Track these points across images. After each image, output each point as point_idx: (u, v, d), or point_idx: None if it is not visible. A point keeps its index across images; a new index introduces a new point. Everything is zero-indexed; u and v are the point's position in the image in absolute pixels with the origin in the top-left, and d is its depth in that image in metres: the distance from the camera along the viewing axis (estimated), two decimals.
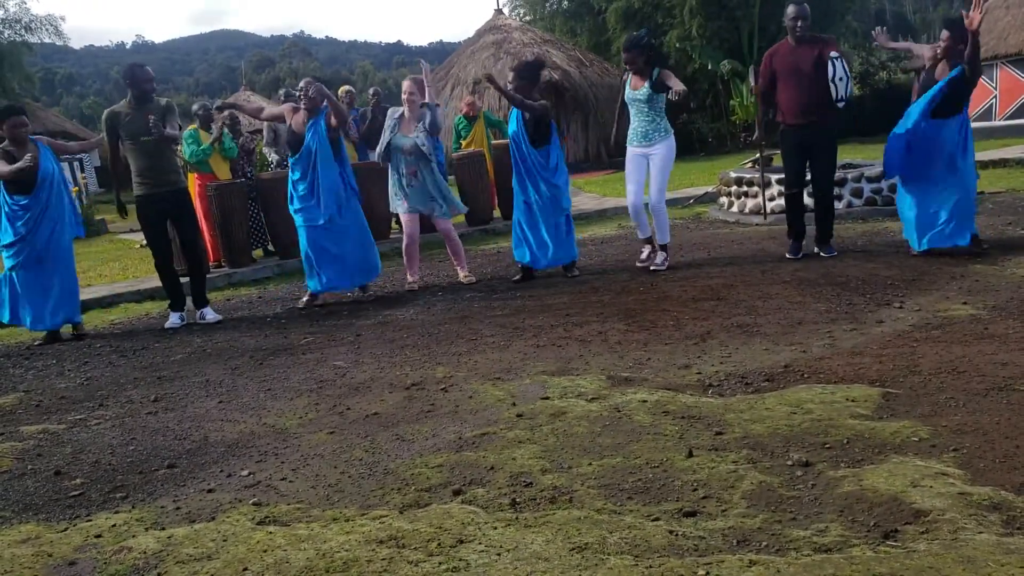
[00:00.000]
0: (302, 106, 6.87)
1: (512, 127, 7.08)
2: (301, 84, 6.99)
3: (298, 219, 6.94)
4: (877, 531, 2.50)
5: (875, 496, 2.70)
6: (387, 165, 7.32)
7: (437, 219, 7.41)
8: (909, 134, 6.32)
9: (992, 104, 17.86)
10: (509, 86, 7.09)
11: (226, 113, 10.60)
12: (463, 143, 11.19)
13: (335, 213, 6.82)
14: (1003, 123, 17.42)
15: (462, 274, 7.50)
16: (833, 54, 6.49)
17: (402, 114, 7.22)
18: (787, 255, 6.99)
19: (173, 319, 6.88)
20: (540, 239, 7.11)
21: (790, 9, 6.67)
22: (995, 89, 17.59)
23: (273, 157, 10.70)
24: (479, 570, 2.48)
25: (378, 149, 7.34)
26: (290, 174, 6.97)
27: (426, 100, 7.19)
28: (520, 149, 7.01)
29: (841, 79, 6.46)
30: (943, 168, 6.28)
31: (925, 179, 6.38)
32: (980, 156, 9.37)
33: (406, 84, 7.30)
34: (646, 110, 6.86)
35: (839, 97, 6.51)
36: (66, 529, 3.08)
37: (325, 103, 6.80)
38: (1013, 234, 7.00)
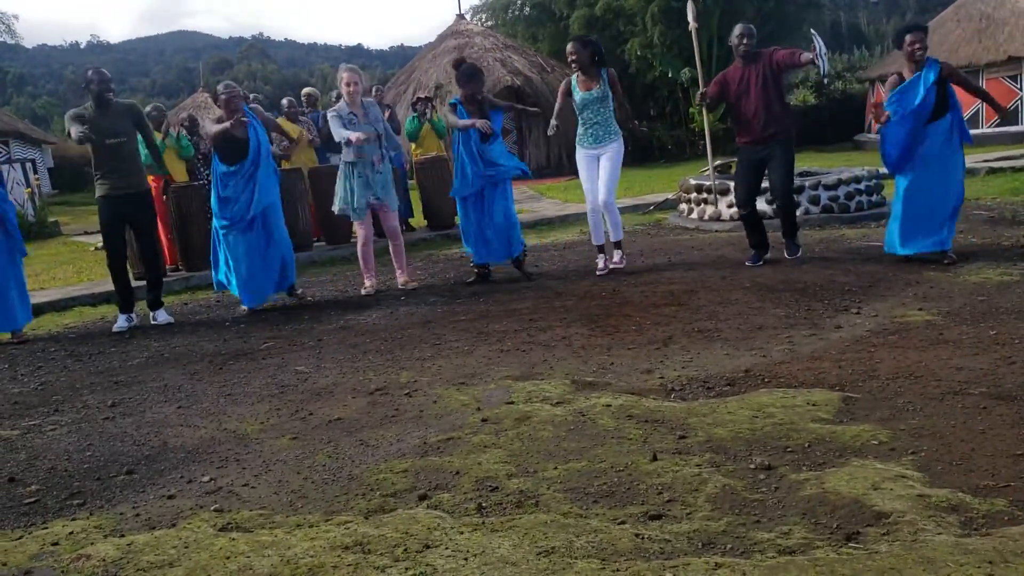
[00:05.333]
0: (221, 108, 6.83)
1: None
2: (220, 87, 6.89)
3: (220, 222, 6.81)
4: (840, 533, 2.54)
5: (837, 499, 2.75)
6: (348, 160, 7.17)
7: (389, 215, 7.33)
8: (905, 133, 6.28)
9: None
10: (460, 92, 7.19)
11: (184, 115, 10.50)
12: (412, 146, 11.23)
13: (270, 206, 6.80)
14: None
15: (401, 279, 7.42)
16: (812, 31, 6.65)
17: (349, 106, 7.04)
18: (747, 263, 7.08)
19: (121, 321, 6.80)
20: (488, 234, 7.20)
21: (736, 29, 6.84)
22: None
23: None
24: (446, 575, 2.47)
25: (345, 135, 6.86)
26: (223, 180, 6.78)
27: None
28: (470, 146, 7.04)
29: (824, 54, 6.59)
30: (936, 170, 6.29)
31: (919, 180, 6.35)
32: None
33: (347, 75, 7.03)
34: (600, 110, 6.97)
35: (825, 73, 6.67)
36: (21, 537, 3.01)
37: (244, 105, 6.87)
38: (965, 242, 7.15)
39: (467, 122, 6.90)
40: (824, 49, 6.56)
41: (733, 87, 6.85)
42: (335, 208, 7.34)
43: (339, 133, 6.86)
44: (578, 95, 7.02)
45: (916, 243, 6.43)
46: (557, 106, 7.27)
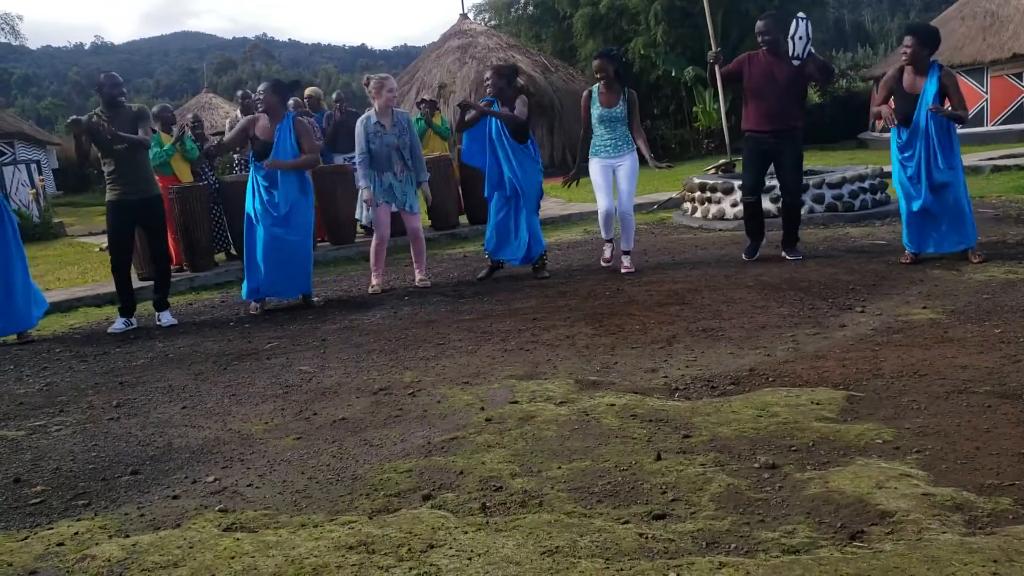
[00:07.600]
0: (259, 111, 6.84)
1: (492, 126, 7.13)
2: (260, 89, 6.95)
3: (252, 219, 6.86)
4: (844, 532, 2.53)
5: (841, 498, 2.74)
6: (363, 172, 7.25)
7: (411, 216, 7.39)
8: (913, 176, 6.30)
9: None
10: (488, 87, 7.21)
11: (190, 116, 10.51)
12: None
13: (294, 205, 6.76)
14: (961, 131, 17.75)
15: (419, 277, 7.48)
16: (800, 14, 6.67)
17: (378, 115, 7.16)
18: (743, 256, 7.15)
19: (118, 324, 6.80)
20: (518, 234, 7.26)
21: (759, 24, 6.85)
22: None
23: (235, 155, 10.62)
24: (450, 575, 2.47)
25: (359, 159, 7.19)
26: (259, 181, 6.80)
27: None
28: (503, 144, 7.07)
29: (800, 38, 6.61)
30: (936, 171, 6.22)
31: (922, 187, 6.28)
32: None
33: (375, 81, 7.22)
34: (619, 126, 7.05)
35: (795, 55, 6.67)
36: (27, 538, 3.02)
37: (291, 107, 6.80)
38: None
39: (503, 112, 6.98)
40: (801, 33, 6.56)
41: (756, 72, 6.84)
42: (358, 216, 7.48)
43: (358, 179, 7.40)
44: (598, 110, 7.07)
45: (932, 244, 6.43)
46: (583, 132, 7.30)
